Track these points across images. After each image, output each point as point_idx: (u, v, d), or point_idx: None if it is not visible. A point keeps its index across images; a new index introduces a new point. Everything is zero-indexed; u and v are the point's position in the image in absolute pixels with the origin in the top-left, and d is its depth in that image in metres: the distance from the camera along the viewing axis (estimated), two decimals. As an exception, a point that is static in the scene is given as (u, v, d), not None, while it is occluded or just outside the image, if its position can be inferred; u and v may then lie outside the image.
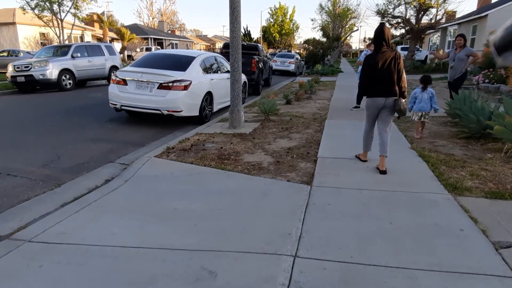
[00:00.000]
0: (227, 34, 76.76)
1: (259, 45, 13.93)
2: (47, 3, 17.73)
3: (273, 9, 56.16)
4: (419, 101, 5.59)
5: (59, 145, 5.45)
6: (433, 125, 6.54)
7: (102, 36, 30.59)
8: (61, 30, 18.74)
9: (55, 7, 18.04)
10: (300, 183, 3.72)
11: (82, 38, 29.17)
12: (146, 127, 6.87)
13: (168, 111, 6.53)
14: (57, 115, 7.96)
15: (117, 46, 33.59)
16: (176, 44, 44.50)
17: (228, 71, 8.98)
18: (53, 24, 18.85)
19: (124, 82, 6.74)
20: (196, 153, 4.88)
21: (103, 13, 31.80)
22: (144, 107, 6.60)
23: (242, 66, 11.89)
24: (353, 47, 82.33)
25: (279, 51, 36.78)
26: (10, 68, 12.24)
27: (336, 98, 10.65)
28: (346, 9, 40.03)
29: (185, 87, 6.57)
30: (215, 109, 7.83)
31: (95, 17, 32.22)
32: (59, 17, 18.52)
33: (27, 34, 24.48)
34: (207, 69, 7.63)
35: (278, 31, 55.68)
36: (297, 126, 6.59)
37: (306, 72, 23.49)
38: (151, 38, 39.99)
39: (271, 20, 56.93)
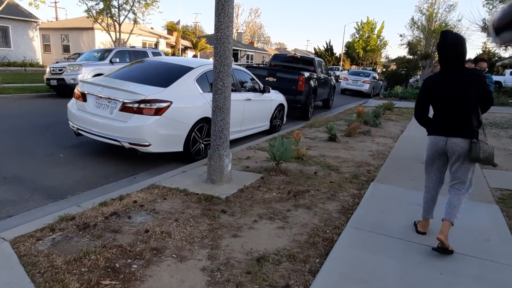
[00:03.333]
0: (310, 48, 74.28)
1: (316, 58, 11.38)
2: (104, 7, 17.59)
3: (359, 24, 52.35)
4: None
5: None
6: None
7: (175, 44, 30.86)
8: (117, 34, 18.48)
9: (114, 10, 17.86)
10: None
11: (156, 45, 29.65)
12: (108, 162, 4.91)
13: (130, 143, 4.48)
14: (27, 130, 6.42)
15: (190, 54, 33.75)
16: (251, 55, 43.81)
17: (251, 90, 6.74)
18: (108, 29, 18.73)
19: (84, 97, 4.89)
20: (94, 238, 2.67)
21: (178, 22, 32.09)
22: (101, 135, 4.62)
23: (285, 85, 9.49)
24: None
25: (362, 68, 33.37)
26: (47, 70, 11.67)
27: (406, 136, 7.58)
28: (444, 24, 34.73)
29: (158, 111, 4.45)
30: (218, 142, 5.56)
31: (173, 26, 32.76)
32: (118, 21, 18.29)
33: (104, 39, 25.39)
34: (211, 86, 5.43)
35: (362, 47, 51.59)
36: (316, 190, 3.96)
37: (383, 94, 19.97)
38: (226, 48, 39.62)
39: (357, 35, 53.09)
